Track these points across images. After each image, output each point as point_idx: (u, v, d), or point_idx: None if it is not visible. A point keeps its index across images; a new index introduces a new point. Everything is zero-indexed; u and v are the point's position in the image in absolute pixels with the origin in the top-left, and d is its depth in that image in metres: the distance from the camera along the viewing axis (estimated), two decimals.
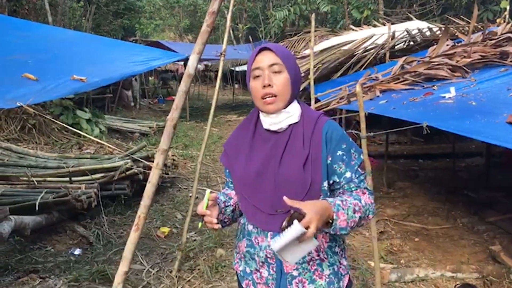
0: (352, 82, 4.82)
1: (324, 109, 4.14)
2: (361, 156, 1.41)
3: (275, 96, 1.35)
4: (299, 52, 9.11)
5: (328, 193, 1.39)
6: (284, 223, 1.20)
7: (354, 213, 1.28)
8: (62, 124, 6.28)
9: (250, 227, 1.44)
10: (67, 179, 4.51)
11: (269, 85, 1.34)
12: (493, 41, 4.23)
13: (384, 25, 8.20)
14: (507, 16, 6.84)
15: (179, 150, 7.93)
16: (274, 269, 1.40)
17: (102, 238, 4.02)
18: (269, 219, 1.36)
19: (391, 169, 6.28)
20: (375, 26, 9.87)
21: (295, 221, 1.15)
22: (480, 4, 11.05)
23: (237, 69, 17.81)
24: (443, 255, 3.75)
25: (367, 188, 1.39)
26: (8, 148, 5.39)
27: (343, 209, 1.26)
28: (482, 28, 5.22)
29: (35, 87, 3.24)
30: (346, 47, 6.32)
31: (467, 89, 3.48)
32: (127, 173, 4.68)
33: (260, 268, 1.43)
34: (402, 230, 4.33)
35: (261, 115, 1.42)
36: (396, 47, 6.40)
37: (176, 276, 3.34)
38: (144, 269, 3.48)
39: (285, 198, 1.20)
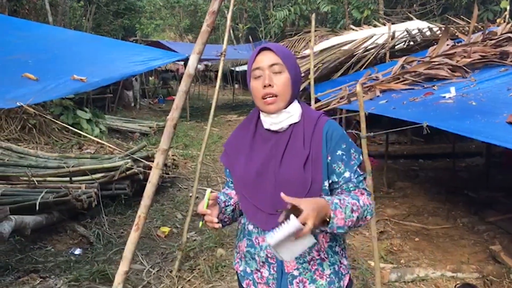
0: (352, 82, 4.83)
1: (324, 109, 4.14)
2: (361, 157, 1.42)
3: (276, 96, 1.35)
4: (299, 52, 9.10)
5: (329, 193, 1.39)
6: (280, 218, 1.19)
7: (352, 212, 1.28)
8: (62, 124, 6.29)
9: (251, 227, 1.44)
10: (68, 179, 4.51)
11: (270, 85, 1.34)
12: (493, 41, 4.23)
13: (384, 25, 8.19)
14: (507, 16, 6.83)
15: (179, 150, 7.93)
16: (275, 269, 1.40)
17: (103, 238, 4.03)
18: (269, 219, 1.36)
19: (391, 169, 6.28)
20: (375, 26, 9.87)
21: (292, 216, 1.15)
22: (480, 4, 11.05)
23: (237, 69, 17.81)
24: (443, 255, 3.75)
25: (365, 189, 1.39)
26: (8, 148, 5.39)
27: (340, 207, 1.26)
28: (482, 28, 5.22)
29: (35, 87, 3.24)
30: (346, 47, 6.32)
31: (467, 89, 3.48)
32: (127, 173, 4.68)
33: (260, 268, 1.43)
34: (402, 230, 4.33)
35: (262, 115, 1.42)
36: (396, 47, 6.40)
37: (176, 276, 3.35)
38: (144, 269, 3.48)
39: (282, 194, 1.20)
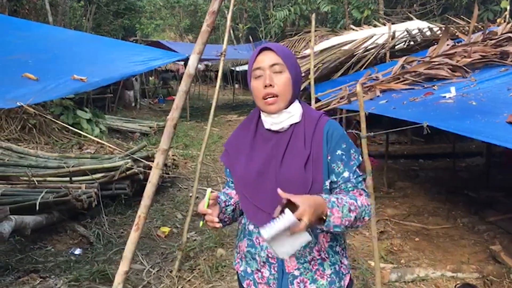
0: (353, 82, 4.83)
1: (325, 109, 4.15)
2: (360, 158, 1.41)
3: (276, 96, 1.35)
4: (299, 52, 9.11)
5: (330, 193, 1.39)
6: (276, 212, 1.18)
7: (349, 212, 1.27)
8: (62, 124, 6.29)
9: (251, 227, 1.44)
10: (68, 179, 4.51)
11: (270, 85, 1.34)
12: (493, 41, 4.24)
13: (385, 25, 8.19)
14: (507, 16, 6.83)
15: (179, 150, 7.93)
16: (276, 269, 1.40)
17: (103, 238, 4.03)
18: (270, 219, 1.35)
19: (391, 169, 6.28)
20: (375, 26, 9.88)
21: (287, 210, 1.14)
22: (481, 4, 11.05)
23: (238, 69, 17.82)
24: (443, 255, 3.75)
25: (364, 190, 1.39)
26: (8, 148, 5.39)
27: (337, 206, 1.25)
28: (482, 28, 5.22)
29: (35, 87, 3.24)
30: (346, 47, 6.32)
31: (467, 89, 3.48)
32: (128, 173, 4.68)
33: (261, 268, 1.43)
34: (403, 230, 4.33)
35: (262, 115, 1.42)
36: (396, 47, 6.40)
37: (176, 276, 3.34)
38: (145, 268, 3.48)
39: (279, 190, 1.20)
